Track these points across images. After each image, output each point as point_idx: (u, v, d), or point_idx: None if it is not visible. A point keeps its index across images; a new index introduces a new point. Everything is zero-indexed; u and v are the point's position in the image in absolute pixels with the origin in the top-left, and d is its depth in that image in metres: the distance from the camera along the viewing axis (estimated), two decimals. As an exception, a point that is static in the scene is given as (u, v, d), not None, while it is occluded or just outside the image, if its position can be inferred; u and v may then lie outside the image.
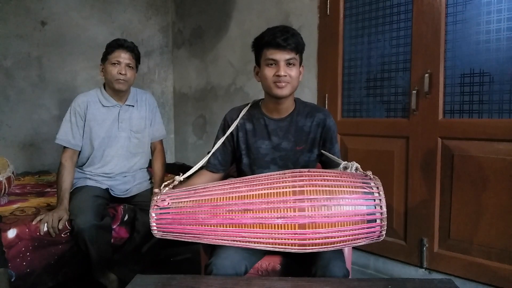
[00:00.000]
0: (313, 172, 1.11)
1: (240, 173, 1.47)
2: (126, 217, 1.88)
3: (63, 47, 2.96)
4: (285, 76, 1.27)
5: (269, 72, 1.29)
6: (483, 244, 1.78)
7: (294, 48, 1.27)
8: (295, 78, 1.30)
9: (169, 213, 1.12)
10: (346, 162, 1.19)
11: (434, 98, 1.90)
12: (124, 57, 1.82)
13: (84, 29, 3.06)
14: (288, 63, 1.28)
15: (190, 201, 1.12)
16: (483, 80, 1.78)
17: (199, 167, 1.33)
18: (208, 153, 1.43)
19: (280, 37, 1.25)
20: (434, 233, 1.93)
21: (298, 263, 1.30)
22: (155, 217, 1.12)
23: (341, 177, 1.08)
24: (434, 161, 1.92)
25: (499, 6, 1.71)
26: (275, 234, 1.05)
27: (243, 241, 1.09)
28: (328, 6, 2.31)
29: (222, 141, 1.40)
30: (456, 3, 1.84)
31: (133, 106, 1.94)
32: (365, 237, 1.05)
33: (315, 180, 1.06)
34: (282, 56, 1.27)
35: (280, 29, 1.28)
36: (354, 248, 2.13)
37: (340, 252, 1.24)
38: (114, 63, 1.81)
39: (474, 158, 1.79)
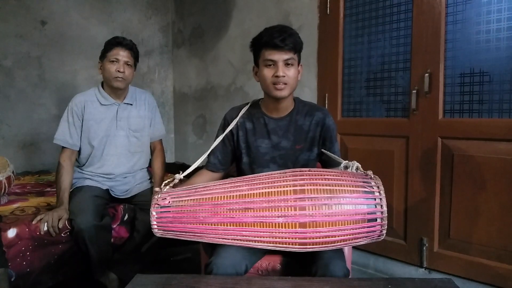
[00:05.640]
0: (314, 171, 1.11)
1: (240, 172, 1.47)
2: (126, 217, 1.88)
3: (63, 46, 2.96)
4: (284, 76, 1.27)
5: (267, 72, 1.29)
6: (482, 244, 1.78)
7: (292, 48, 1.27)
8: (293, 78, 1.30)
9: (169, 211, 1.12)
10: (346, 161, 1.19)
11: (434, 98, 1.90)
12: (122, 55, 1.81)
13: (84, 29, 3.05)
14: (287, 63, 1.28)
15: (190, 199, 1.12)
16: (483, 80, 1.78)
17: (198, 164, 1.33)
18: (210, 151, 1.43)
19: (278, 38, 1.25)
20: (434, 233, 1.93)
21: (298, 263, 1.30)
22: (156, 216, 1.12)
23: (341, 176, 1.08)
24: (434, 161, 1.92)
25: (499, 5, 1.71)
26: (275, 233, 1.05)
27: (243, 240, 1.09)
28: (328, 5, 2.31)
29: (221, 138, 1.41)
30: (456, 3, 1.84)
31: (131, 104, 1.94)
32: (366, 236, 1.05)
33: (315, 179, 1.06)
34: (280, 56, 1.27)
35: (278, 29, 1.28)
36: (354, 247, 2.13)
37: (340, 251, 1.24)
38: (113, 61, 1.80)
39: (474, 158, 1.79)
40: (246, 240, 1.08)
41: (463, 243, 1.85)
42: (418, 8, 1.94)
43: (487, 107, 1.78)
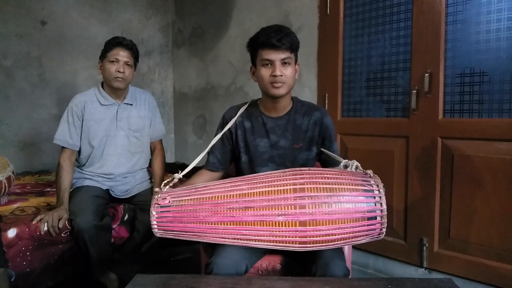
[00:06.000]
0: (314, 170, 1.12)
1: (238, 171, 1.48)
2: (126, 217, 1.88)
3: (63, 46, 2.97)
4: (281, 76, 1.28)
5: (265, 72, 1.30)
6: (482, 244, 1.78)
7: (289, 47, 1.28)
8: (291, 77, 1.31)
9: (170, 211, 1.12)
10: (346, 160, 1.19)
11: (434, 98, 1.90)
12: (122, 55, 1.81)
13: (84, 29, 3.06)
14: (284, 63, 1.29)
15: (191, 199, 1.12)
16: (483, 80, 1.78)
17: (196, 163, 1.33)
18: (209, 151, 1.43)
19: (274, 37, 1.26)
20: (434, 233, 1.93)
21: (298, 263, 1.30)
22: (156, 216, 1.12)
23: (341, 175, 1.08)
24: (434, 161, 1.92)
25: (499, 5, 1.71)
26: (276, 231, 1.05)
27: (244, 239, 1.09)
28: (328, 5, 2.31)
29: (220, 136, 1.41)
30: (456, 3, 1.84)
31: (131, 104, 1.94)
32: (366, 235, 1.05)
33: (315, 178, 1.06)
34: (277, 56, 1.27)
35: (274, 29, 1.29)
36: (354, 247, 2.13)
37: (340, 251, 1.25)
38: (113, 61, 1.80)
39: (474, 158, 1.79)
40: (247, 239, 1.08)
41: (463, 243, 1.84)
42: (418, 8, 1.94)
43: (487, 107, 1.78)
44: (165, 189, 1.19)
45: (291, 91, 1.37)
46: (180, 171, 1.27)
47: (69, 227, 1.67)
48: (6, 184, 1.85)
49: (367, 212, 1.03)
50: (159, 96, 3.56)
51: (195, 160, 1.32)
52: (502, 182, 1.72)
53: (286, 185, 1.06)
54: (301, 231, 1.03)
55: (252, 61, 1.38)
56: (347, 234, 1.03)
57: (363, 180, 1.06)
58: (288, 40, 1.27)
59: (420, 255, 1.98)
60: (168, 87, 3.66)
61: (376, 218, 1.03)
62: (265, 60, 1.29)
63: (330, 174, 1.08)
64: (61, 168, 1.78)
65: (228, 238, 1.10)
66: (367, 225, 1.03)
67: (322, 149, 1.40)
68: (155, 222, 1.12)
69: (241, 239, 1.09)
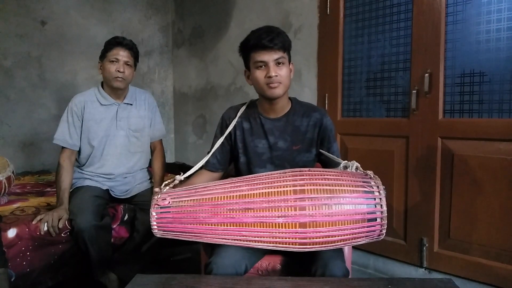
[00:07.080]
0: (314, 171, 1.12)
1: (237, 172, 1.47)
2: (126, 217, 1.88)
3: (63, 46, 2.97)
4: (276, 76, 1.27)
5: (260, 74, 1.29)
6: (482, 244, 1.78)
7: (281, 47, 1.27)
8: (286, 76, 1.30)
9: (169, 212, 1.12)
10: (346, 161, 1.19)
11: (434, 98, 1.90)
12: (122, 55, 1.81)
13: (84, 29, 3.06)
14: (277, 63, 1.28)
15: (190, 200, 1.12)
16: (483, 80, 1.78)
17: (199, 166, 1.33)
18: (208, 153, 1.43)
19: (265, 39, 1.25)
20: (434, 233, 1.93)
21: (298, 263, 1.30)
22: (156, 216, 1.12)
23: (341, 176, 1.08)
24: (434, 161, 1.92)
25: (499, 5, 1.71)
26: (276, 233, 1.05)
27: (243, 240, 1.09)
28: (328, 6, 2.31)
29: (220, 138, 1.41)
30: (456, 3, 1.84)
31: (131, 104, 1.94)
32: (366, 236, 1.05)
33: (315, 179, 1.06)
34: (270, 56, 1.27)
35: (265, 30, 1.28)
36: (354, 247, 2.13)
37: (340, 251, 1.24)
38: (113, 61, 1.80)
39: (474, 158, 1.79)
40: (246, 240, 1.08)
41: (463, 243, 1.85)
42: (418, 8, 1.94)
43: (487, 107, 1.78)
44: (165, 190, 1.19)
45: (288, 91, 1.37)
46: (182, 173, 1.27)
47: (69, 227, 1.67)
48: (6, 184, 1.85)
49: (367, 213, 1.03)
50: (159, 96, 3.56)
51: (197, 165, 1.32)
52: (502, 182, 1.72)
53: (286, 186, 1.06)
54: (301, 233, 1.03)
55: (245, 64, 1.37)
56: (346, 235, 1.03)
57: (363, 182, 1.06)
58: (279, 40, 1.26)
59: (420, 255, 1.98)
60: (168, 87, 3.66)
61: (376, 220, 1.03)
62: (259, 62, 1.28)
63: (330, 175, 1.08)
64: (61, 168, 1.78)
65: (228, 239, 1.10)
66: (367, 227, 1.03)
67: (320, 150, 1.39)
68: (154, 223, 1.12)
69: (241, 240, 1.09)
